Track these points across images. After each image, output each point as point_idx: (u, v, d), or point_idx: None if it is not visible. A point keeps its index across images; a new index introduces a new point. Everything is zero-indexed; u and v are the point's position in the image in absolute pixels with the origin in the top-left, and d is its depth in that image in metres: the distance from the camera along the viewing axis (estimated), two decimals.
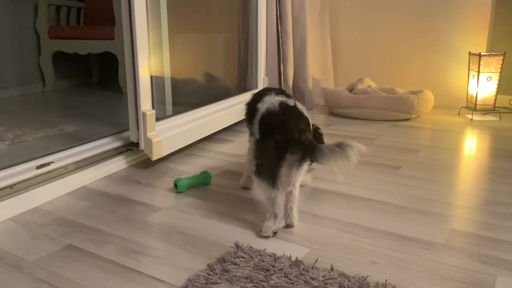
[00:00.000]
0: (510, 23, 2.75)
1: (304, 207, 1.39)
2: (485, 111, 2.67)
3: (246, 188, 1.55)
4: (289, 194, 1.23)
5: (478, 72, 2.59)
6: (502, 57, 2.56)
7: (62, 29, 3.53)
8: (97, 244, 1.18)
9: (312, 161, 1.24)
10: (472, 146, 2.12)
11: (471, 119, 2.63)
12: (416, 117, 2.67)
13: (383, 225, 1.27)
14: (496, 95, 2.63)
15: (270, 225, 1.19)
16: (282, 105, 1.25)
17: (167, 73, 2.09)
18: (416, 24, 2.99)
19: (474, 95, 2.65)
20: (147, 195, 1.51)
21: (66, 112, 2.74)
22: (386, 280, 0.97)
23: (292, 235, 1.21)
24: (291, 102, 1.27)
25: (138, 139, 1.74)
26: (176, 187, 1.52)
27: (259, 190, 1.23)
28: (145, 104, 1.71)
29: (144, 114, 1.70)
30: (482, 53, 2.57)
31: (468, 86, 2.73)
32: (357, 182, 1.61)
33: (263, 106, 1.28)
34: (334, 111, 2.81)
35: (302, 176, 1.26)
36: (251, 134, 1.43)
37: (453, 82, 2.93)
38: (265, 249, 1.12)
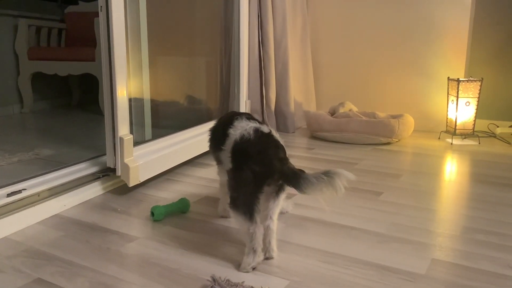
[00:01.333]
0: (487, 49, 2.80)
1: (284, 235, 1.37)
2: (464, 135, 2.70)
3: (224, 217, 1.51)
4: (267, 228, 1.19)
5: (457, 97, 2.62)
6: (480, 83, 2.60)
7: (42, 50, 3.49)
8: (67, 277, 1.13)
9: (297, 190, 1.15)
10: (452, 171, 2.12)
11: (451, 143, 2.65)
12: (397, 141, 2.68)
13: (363, 255, 1.24)
14: (475, 120, 2.66)
15: (249, 261, 1.14)
16: (258, 132, 1.19)
17: (146, 96, 2.07)
18: (396, 49, 3.03)
19: (454, 120, 2.68)
20: (123, 224, 1.47)
21: (43, 134, 2.68)
22: None
23: (270, 266, 1.18)
24: (265, 128, 1.22)
25: (115, 165, 1.70)
26: (153, 215, 1.48)
27: (235, 224, 1.18)
28: (123, 128, 1.68)
29: (121, 139, 1.66)
30: (460, 79, 2.61)
31: (447, 111, 2.76)
32: (337, 208, 1.59)
33: (235, 133, 1.22)
34: (316, 135, 2.80)
35: (279, 208, 1.22)
36: (219, 162, 1.37)
37: (433, 106, 2.96)
38: (243, 282, 1.08)
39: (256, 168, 1.13)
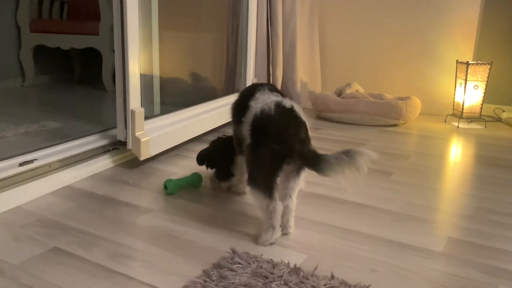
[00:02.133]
0: (496, 33, 2.78)
1: (298, 211, 1.36)
2: (470, 119, 2.69)
3: (230, 190, 1.51)
4: (286, 208, 1.17)
5: (466, 80, 2.61)
6: (489, 66, 2.59)
7: (45, 23, 3.43)
8: (84, 247, 1.12)
9: (318, 173, 1.13)
10: (459, 153, 2.12)
11: (457, 127, 2.65)
12: (403, 123, 2.68)
13: (379, 232, 1.24)
14: (482, 104, 2.65)
15: (267, 238, 1.14)
16: (279, 107, 1.14)
17: (155, 71, 2.04)
18: (404, 31, 3.00)
19: (461, 103, 2.67)
20: (135, 196, 1.46)
21: (47, 108, 2.65)
22: None
23: (288, 240, 1.18)
24: (287, 103, 1.17)
25: (126, 138, 1.68)
26: (166, 188, 1.47)
27: (254, 200, 1.17)
28: (134, 101, 1.66)
29: (133, 112, 1.64)
30: (470, 62, 2.59)
31: (455, 94, 2.75)
32: (349, 187, 1.58)
33: (256, 106, 1.17)
34: (322, 115, 2.79)
35: (299, 187, 1.20)
36: (238, 136, 1.32)
37: (439, 90, 2.95)
38: (261, 255, 1.08)
39: (275, 147, 1.10)
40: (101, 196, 1.46)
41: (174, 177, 1.56)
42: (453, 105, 2.79)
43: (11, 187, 1.35)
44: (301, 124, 1.15)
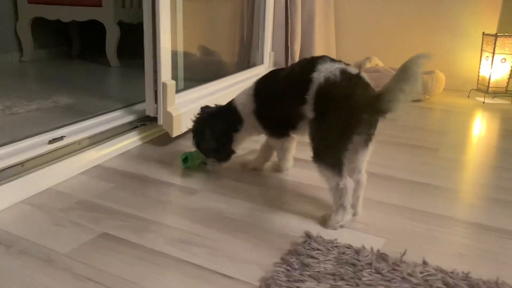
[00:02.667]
0: None
1: None
2: (495, 93, 2.61)
3: (256, 169, 1.40)
4: (357, 183, 1.08)
5: (493, 53, 2.51)
6: None
7: None
8: (136, 232, 1.01)
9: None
10: (497, 129, 2.03)
11: (483, 102, 2.56)
12: (428, 98, 2.58)
13: (450, 212, 1.15)
14: (509, 78, 2.56)
15: (338, 219, 1.03)
16: (345, 73, 1.03)
17: (180, 44, 1.89)
18: (423, 2, 2.87)
19: (487, 77, 2.58)
20: (174, 175, 1.34)
21: (54, 83, 2.49)
22: (497, 277, 0.85)
23: (356, 223, 1.08)
24: (353, 69, 1.06)
25: (156, 113, 1.55)
26: (185, 162, 1.37)
27: (322, 178, 1.06)
28: (166, 74, 1.52)
29: (164, 84, 1.51)
30: (498, 34, 2.49)
31: (479, 68, 2.66)
32: (399, 164, 1.49)
33: (319, 76, 1.05)
34: None
35: (367, 158, 1.10)
36: (289, 116, 1.17)
37: (462, 63, 2.84)
38: (336, 239, 0.98)
39: (344, 115, 1.00)
40: (137, 175, 1.34)
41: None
42: (478, 80, 2.69)
43: (42, 166, 1.22)
44: (369, 89, 1.03)
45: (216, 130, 1.29)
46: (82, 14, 3.13)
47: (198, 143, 1.33)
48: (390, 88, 0.94)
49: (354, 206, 1.09)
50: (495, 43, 2.49)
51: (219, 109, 1.33)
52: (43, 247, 0.93)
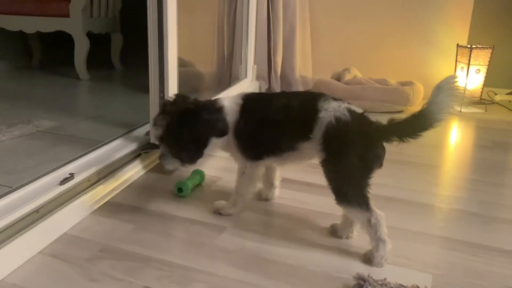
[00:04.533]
0: (490, 16, 2.80)
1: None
2: (471, 103, 2.71)
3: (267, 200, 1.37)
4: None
5: (468, 64, 2.60)
6: (490, 50, 2.60)
7: (4, 3, 3.01)
8: (181, 283, 0.95)
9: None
10: (488, 139, 2.10)
11: (460, 111, 2.65)
12: (408, 109, 2.64)
13: (483, 239, 1.16)
14: (483, 88, 2.67)
15: (381, 254, 1.03)
16: (353, 113, 1.05)
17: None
18: (398, 14, 2.94)
19: (463, 87, 2.67)
20: (192, 210, 1.28)
21: (25, 102, 2.32)
22: None
23: (397, 257, 1.07)
24: (357, 108, 1.08)
25: None
26: (180, 191, 1.36)
27: (351, 217, 1.08)
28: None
29: None
30: (473, 46, 2.59)
31: None
32: (410, 185, 1.50)
33: (328, 116, 1.04)
34: None
35: None
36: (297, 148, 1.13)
37: (438, 74, 2.93)
38: (385, 278, 0.97)
39: (365, 152, 1.02)
40: (154, 212, 1.27)
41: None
42: None
43: (55, 211, 1.12)
44: (379, 127, 1.04)
45: (197, 131, 1.16)
46: (48, 25, 2.96)
47: (166, 139, 1.18)
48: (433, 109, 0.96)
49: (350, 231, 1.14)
50: (470, 55, 2.59)
51: (202, 107, 1.18)
52: None
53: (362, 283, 0.93)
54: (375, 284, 0.93)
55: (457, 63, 2.72)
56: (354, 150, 1.02)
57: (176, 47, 1.45)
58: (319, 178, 1.09)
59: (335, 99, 1.11)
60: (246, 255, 1.06)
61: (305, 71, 3.14)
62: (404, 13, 2.93)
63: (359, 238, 1.14)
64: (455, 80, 0.94)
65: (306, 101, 1.13)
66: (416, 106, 2.68)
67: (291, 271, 1.00)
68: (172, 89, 1.44)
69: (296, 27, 2.76)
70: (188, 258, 1.04)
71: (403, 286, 0.94)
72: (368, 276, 0.96)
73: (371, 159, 1.03)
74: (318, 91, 1.17)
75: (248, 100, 1.19)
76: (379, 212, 1.04)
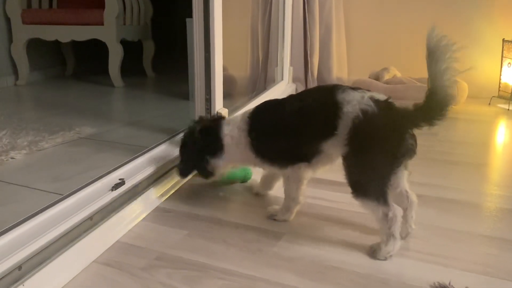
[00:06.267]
0: None
1: (430, 219, 1.18)
2: None
3: (258, 194, 1.36)
4: (410, 204, 1.06)
5: None
6: None
7: (40, 13, 3.05)
8: None
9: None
10: None
11: (508, 109, 2.53)
12: (453, 108, 2.53)
13: None
14: None
15: (389, 249, 0.99)
16: (378, 102, 0.99)
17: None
18: (437, 9, 2.84)
19: (510, 84, 2.55)
20: (244, 215, 1.23)
21: (63, 109, 2.33)
22: None
23: (467, 262, 0.99)
24: (380, 95, 1.01)
25: None
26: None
27: (367, 210, 1.01)
28: (219, 102, 1.41)
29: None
30: None
31: (501, 75, 2.63)
32: (461, 185, 1.41)
33: (353, 109, 0.98)
34: None
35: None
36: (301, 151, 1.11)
37: (481, 71, 2.81)
38: (466, 287, 0.89)
39: (394, 146, 0.97)
40: (205, 217, 1.22)
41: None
42: (499, 87, 2.67)
43: (108, 218, 1.08)
44: (404, 115, 0.98)
45: (188, 149, 1.27)
46: (82, 33, 2.97)
47: (181, 154, 1.30)
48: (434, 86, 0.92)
49: (405, 226, 1.07)
50: None
51: (202, 128, 1.24)
52: None
53: None
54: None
55: (503, 58, 2.60)
56: (384, 145, 0.97)
57: (221, 48, 1.41)
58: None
59: (353, 88, 1.05)
60: (309, 262, 1.00)
61: (340, 72, 3.06)
62: (445, 8, 2.83)
63: (427, 245, 1.06)
64: (438, 37, 0.89)
65: (324, 96, 1.06)
66: (461, 104, 2.58)
67: (362, 280, 0.93)
68: (219, 91, 1.40)
69: (332, 28, 2.69)
70: (248, 266, 0.98)
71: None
72: (449, 284, 0.88)
73: (402, 153, 0.97)
74: (334, 84, 1.11)
75: (255, 118, 1.18)
76: (398, 207, 0.99)
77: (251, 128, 1.17)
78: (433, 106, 0.93)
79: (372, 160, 0.98)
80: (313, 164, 1.13)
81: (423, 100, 0.93)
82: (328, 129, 1.03)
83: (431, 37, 0.89)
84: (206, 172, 1.25)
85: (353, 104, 0.99)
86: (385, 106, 0.99)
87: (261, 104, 1.21)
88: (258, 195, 1.35)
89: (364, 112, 0.97)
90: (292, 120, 1.10)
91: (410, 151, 0.98)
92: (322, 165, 1.16)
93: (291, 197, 1.19)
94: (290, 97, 1.16)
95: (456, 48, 0.90)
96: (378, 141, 0.97)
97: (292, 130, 1.10)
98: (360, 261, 1.00)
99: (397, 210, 0.98)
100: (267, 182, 1.34)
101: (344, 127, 1.00)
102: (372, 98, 0.99)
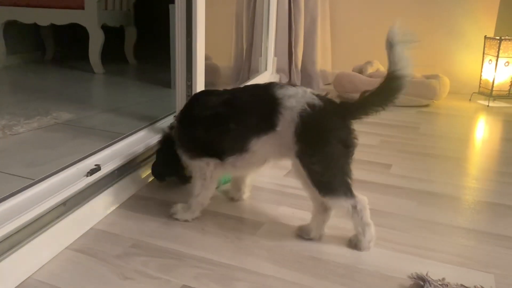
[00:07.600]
0: None
1: (430, 215, 1.18)
2: (497, 97, 2.61)
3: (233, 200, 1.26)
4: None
5: (497, 57, 2.51)
6: None
7: None
8: (221, 282, 0.87)
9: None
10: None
11: (487, 105, 2.56)
12: (434, 103, 2.55)
13: None
14: (511, 81, 2.57)
15: (369, 238, 0.99)
16: (320, 97, 0.99)
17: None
18: (421, 5, 2.85)
19: (490, 81, 2.58)
20: (222, 204, 1.21)
21: (41, 94, 2.26)
22: None
23: (445, 254, 0.99)
24: (317, 91, 1.03)
25: None
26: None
27: (335, 207, 1.00)
28: (200, 87, 1.38)
29: None
30: (502, 37, 2.49)
31: (481, 71, 2.66)
32: (441, 179, 1.42)
33: (297, 105, 0.96)
34: (348, 96, 2.60)
35: None
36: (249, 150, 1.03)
37: (462, 67, 2.84)
38: (443, 278, 0.89)
39: (345, 136, 0.97)
40: None
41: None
42: (480, 83, 2.69)
43: (82, 204, 1.05)
44: (346, 106, 1.00)
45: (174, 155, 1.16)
46: (62, 17, 2.90)
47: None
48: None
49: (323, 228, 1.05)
50: (499, 46, 2.49)
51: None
52: None
53: (422, 283, 0.85)
54: (436, 284, 0.85)
55: (485, 55, 2.63)
56: (336, 136, 0.96)
57: (203, 33, 1.38)
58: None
59: (292, 84, 1.04)
60: (288, 252, 0.98)
61: (324, 64, 3.06)
62: (428, 4, 2.84)
63: (407, 236, 1.06)
64: (399, 30, 0.91)
65: (259, 92, 1.03)
66: (442, 100, 2.59)
67: (341, 271, 0.92)
68: (200, 78, 1.37)
69: (317, 19, 2.68)
70: (226, 255, 0.96)
71: (463, 286, 0.85)
72: (426, 275, 0.88)
73: (352, 142, 0.97)
74: (269, 82, 1.06)
75: (191, 99, 1.16)
76: (362, 196, 0.99)
77: (182, 116, 1.13)
78: (387, 90, 0.94)
79: (331, 154, 0.96)
80: (229, 163, 1.06)
81: (379, 85, 0.94)
82: (262, 126, 0.99)
83: (393, 30, 0.91)
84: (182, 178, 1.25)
85: (297, 98, 0.97)
86: (327, 99, 0.99)
87: (197, 92, 1.18)
88: (233, 200, 1.24)
89: (311, 105, 0.96)
90: (214, 111, 1.04)
91: (355, 143, 0.98)
92: (245, 168, 1.10)
93: (193, 194, 1.11)
94: (231, 89, 1.10)
95: (411, 39, 0.91)
96: (331, 132, 0.96)
97: (210, 121, 1.05)
98: (339, 251, 0.99)
99: (363, 200, 0.98)
100: (237, 185, 1.24)
101: (288, 123, 0.97)
102: (313, 93, 1.00)
